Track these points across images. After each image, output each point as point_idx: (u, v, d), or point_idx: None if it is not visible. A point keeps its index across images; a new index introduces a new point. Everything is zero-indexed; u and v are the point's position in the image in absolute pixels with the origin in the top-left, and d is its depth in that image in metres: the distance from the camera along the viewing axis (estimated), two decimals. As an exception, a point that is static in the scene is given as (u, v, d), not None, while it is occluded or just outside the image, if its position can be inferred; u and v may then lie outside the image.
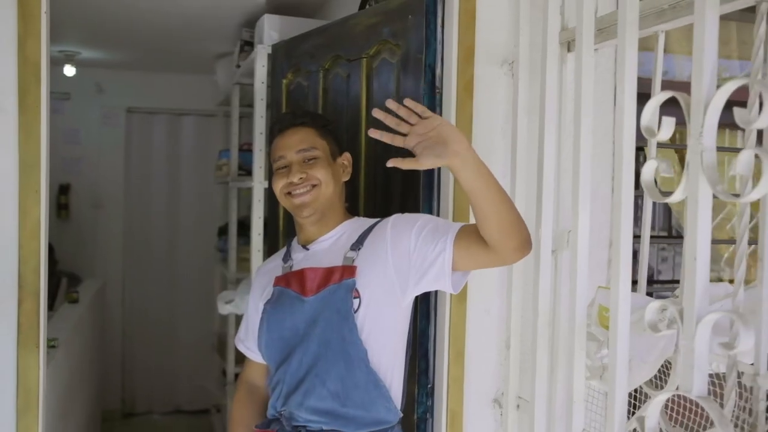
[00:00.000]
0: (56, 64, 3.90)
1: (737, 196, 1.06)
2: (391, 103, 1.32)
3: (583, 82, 1.39)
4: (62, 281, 3.37)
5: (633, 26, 1.26)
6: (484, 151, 1.66)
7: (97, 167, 4.58)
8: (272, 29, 2.50)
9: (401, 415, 1.48)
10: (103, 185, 4.58)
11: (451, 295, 1.67)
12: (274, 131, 1.58)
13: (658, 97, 1.17)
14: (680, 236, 2.19)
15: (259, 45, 2.50)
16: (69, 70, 4.07)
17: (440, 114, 1.68)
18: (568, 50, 1.57)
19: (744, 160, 1.02)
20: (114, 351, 4.57)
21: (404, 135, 1.30)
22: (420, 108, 1.31)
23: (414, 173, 1.74)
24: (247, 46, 3.05)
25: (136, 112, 4.68)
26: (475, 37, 1.65)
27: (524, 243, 1.31)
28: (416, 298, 1.69)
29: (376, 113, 1.33)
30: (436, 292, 1.71)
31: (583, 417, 1.41)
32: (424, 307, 1.73)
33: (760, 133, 1.21)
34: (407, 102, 1.31)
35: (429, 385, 1.74)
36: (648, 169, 1.20)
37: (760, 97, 1.09)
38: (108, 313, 4.45)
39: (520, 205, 1.60)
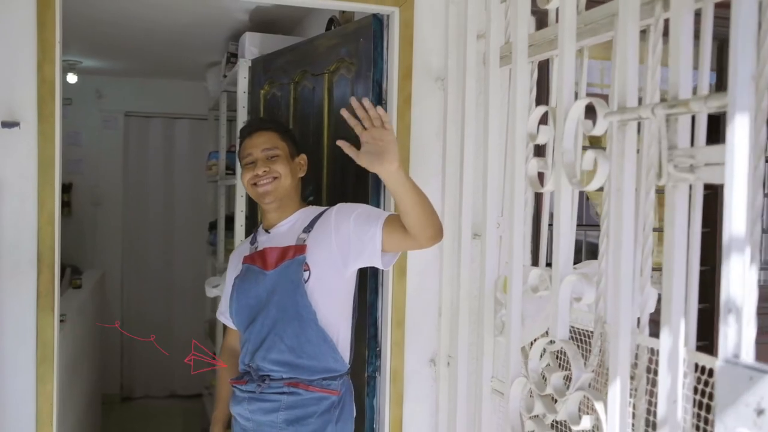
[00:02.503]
0: (60, 72, 4.20)
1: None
2: (366, 101, 1.59)
3: (490, 94, 1.73)
4: (66, 271, 3.68)
5: (523, 54, 1.60)
6: (421, 153, 2.00)
7: (97, 167, 4.84)
8: (252, 45, 2.83)
9: (348, 366, 1.79)
10: (102, 184, 4.85)
11: (393, 272, 2.00)
12: (243, 134, 1.90)
13: (538, 110, 1.51)
14: (593, 224, 2.51)
15: (241, 59, 2.83)
16: (71, 78, 4.35)
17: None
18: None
19: (588, 159, 1.35)
20: (113, 338, 4.85)
21: (365, 128, 1.58)
22: (386, 118, 1.59)
23: (365, 172, 2.07)
24: (233, 57, 3.36)
25: (134, 116, 4.97)
26: (412, 58, 1.98)
27: (436, 234, 1.62)
28: (366, 275, 2.03)
29: (353, 102, 1.59)
30: (383, 271, 2.04)
31: (492, 366, 1.75)
32: (373, 283, 2.07)
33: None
34: (379, 110, 1.59)
35: (377, 348, 2.07)
36: (530, 166, 1.54)
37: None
38: (106, 304, 4.75)
39: (448, 197, 1.94)
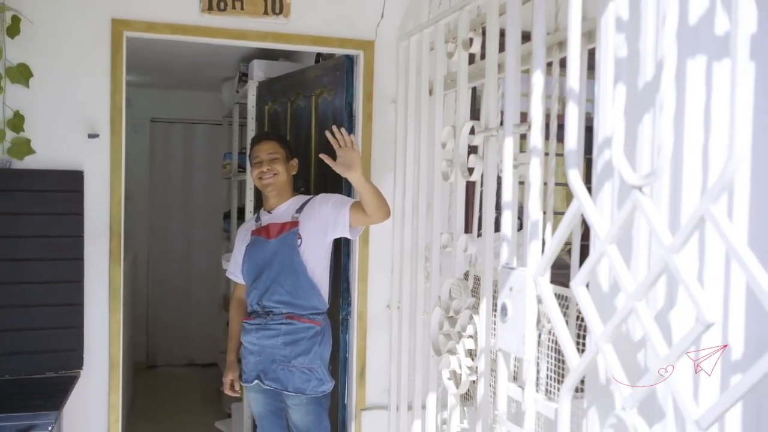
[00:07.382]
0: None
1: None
2: (343, 130, 2.38)
3: (422, 115, 2.47)
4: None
5: (440, 89, 2.34)
6: (380, 155, 2.76)
7: (127, 166, 5.47)
8: (259, 70, 3.58)
9: (328, 306, 2.55)
10: (131, 180, 5.42)
11: (360, 242, 2.76)
12: (254, 141, 2.67)
13: (447, 128, 2.25)
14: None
15: (250, 81, 3.58)
16: (107, 90, 5.09)
17: (355, 131, 2.78)
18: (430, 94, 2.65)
19: (472, 161, 2.09)
20: (140, 314, 5.56)
21: (340, 146, 2.37)
22: (354, 143, 2.38)
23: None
24: (244, 77, 4.10)
25: (158, 121, 5.64)
26: (373, 86, 2.74)
27: (385, 215, 2.39)
28: (341, 245, 2.79)
29: (333, 129, 2.38)
30: (352, 241, 2.79)
31: (423, 305, 2.49)
32: (346, 249, 2.82)
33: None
34: (352, 137, 2.38)
35: (349, 298, 2.83)
36: (442, 165, 2.28)
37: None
38: (136, 284, 5.50)
39: (397, 189, 2.69)
